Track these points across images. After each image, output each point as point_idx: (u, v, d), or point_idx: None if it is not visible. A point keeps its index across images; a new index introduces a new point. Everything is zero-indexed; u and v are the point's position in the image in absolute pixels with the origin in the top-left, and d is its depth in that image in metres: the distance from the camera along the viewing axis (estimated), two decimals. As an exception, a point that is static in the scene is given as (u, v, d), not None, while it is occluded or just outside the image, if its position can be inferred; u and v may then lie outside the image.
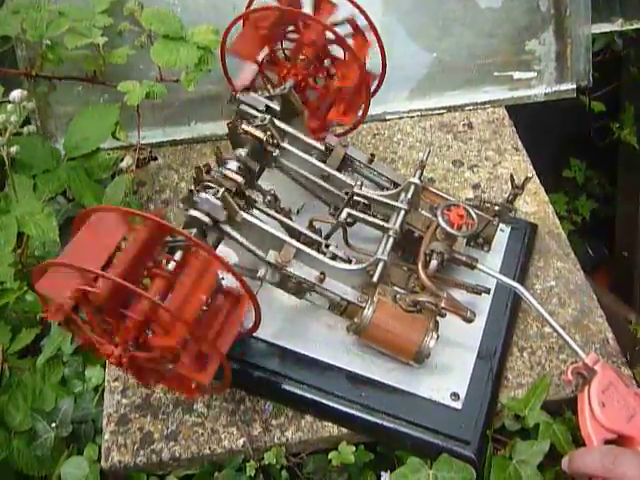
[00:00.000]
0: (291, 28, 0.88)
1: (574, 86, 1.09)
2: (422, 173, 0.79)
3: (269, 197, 0.79)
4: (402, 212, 0.76)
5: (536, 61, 1.08)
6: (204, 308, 0.65)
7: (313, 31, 0.84)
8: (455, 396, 0.75)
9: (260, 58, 0.86)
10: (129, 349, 0.64)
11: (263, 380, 0.79)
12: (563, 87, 1.09)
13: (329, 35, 0.85)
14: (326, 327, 0.81)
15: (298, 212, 0.88)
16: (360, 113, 0.90)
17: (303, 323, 0.81)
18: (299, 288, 0.74)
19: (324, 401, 0.77)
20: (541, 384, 0.79)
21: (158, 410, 0.79)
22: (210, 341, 0.62)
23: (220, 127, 1.05)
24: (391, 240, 0.74)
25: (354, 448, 0.77)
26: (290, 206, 0.83)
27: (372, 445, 0.80)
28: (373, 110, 0.98)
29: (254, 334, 0.76)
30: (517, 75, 1.08)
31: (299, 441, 0.77)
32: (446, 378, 0.77)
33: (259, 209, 0.77)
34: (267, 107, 0.82)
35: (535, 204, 0.97)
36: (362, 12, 0.85)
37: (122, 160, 0.94)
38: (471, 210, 0.73)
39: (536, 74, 1.08)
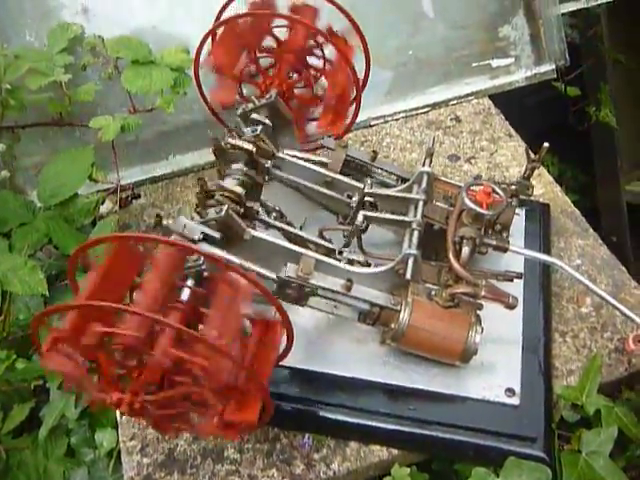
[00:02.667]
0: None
1: (553, 66, 1.07)
2: (431, 161, 0.74)
3: (275, 214, 0.73)
4: (420, 203, 0.71)
5: (512, 46, 1.06)
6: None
7: (297, 34, 0.79)
8: (510, 392, 0.69)
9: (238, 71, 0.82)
10: (143, 393, 0.56)
11: (297, 411, 0.71)
12: (542, 69, 1.07)
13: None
14: (355, 343, 0.74)
15: (301, 228, 0.82)
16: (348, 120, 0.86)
17: (329, 342, 0.75)
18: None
19: (368, 422, 0.70)
20: (593, 367, 0.74)
21: (185, 464, 0.71)
22: (250, 373, 0.55)
23: (201, 157, 0.99)
24: (415, 233, 0.68)
25: (408, 470, 0.70)
26: (292, 222, 0.77)
27: (426, 465, 0.73)
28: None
29: (280, 363, 0.69)
30: (495, 63, 1.06)
31: (347, 472, 0.70)
32: (496, 375, 0.71)
33: (264, 222, 0.71)
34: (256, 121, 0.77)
35: (541, 186, 0.94)
36: (346, 14, 0.81)
37: (103, 203, 0.87)
38: (495, 187, 0.68)
39: (514, 59, 1.06)
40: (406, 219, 0.69)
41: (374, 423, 0.70)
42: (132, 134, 0.95)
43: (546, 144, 0.71)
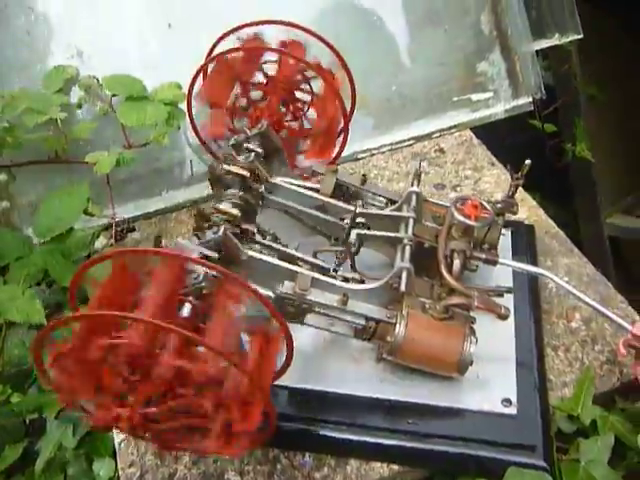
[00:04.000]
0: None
1: (530, 99, 1.12)
2: (419, 181, 0.77)
3: (269, 237, 0.75)
4: (411, 221, 0.73)
5: (490, 81, 1.11)
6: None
7: (285, 68, 0.83)
8: (507, 402, 0.70)
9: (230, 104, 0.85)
10: (142, 407, 0.56)
11: (297, 431, 0.71)
12: (520, 102, 1.12)
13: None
14: (352, 361, 0.75)
15: (295, 253, 0.84)
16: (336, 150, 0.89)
17: (326, 361, 0.76)
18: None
19: (369, 439, 0.70)
20: (586, 378, 0.75)
21: (186, 489, 0.71)
22: (251, 378, 0.56)
23: (193, 192, 1.01)
24: (407, 248, 0.70)
25: (410, 486, 0.70)
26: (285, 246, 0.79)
27: (425, 483, 0.73)
28: (343, 151, 0.97)
29: (277, 382, 0.69)
30: (475, 97, 1.10)
31: (349, 490, 0.70)
32: (492, 386, 0.72)
33: (259, 243, 0.73)
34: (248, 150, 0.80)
35: (525, 210, 0.97)
36: (332, 48, 0.85)
37: (98, 237, 0.89)
38: (483, 201, 0.70)
39: (492, 93, 1.11)
40: (398, 235, 0.71)
41: (374, 439, 0.70)
42: (126, 171, 0.98)
43: (528, 161, 0.74)
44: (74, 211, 0.87)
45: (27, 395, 0.83)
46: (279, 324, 0.60)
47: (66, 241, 0.86)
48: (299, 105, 0.88)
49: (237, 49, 0.82)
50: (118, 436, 0.75)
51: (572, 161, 1.50)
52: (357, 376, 0.74)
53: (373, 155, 1.07)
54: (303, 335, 0.74)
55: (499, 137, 1.21)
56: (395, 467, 0.71)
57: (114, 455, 0.76)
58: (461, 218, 0.69)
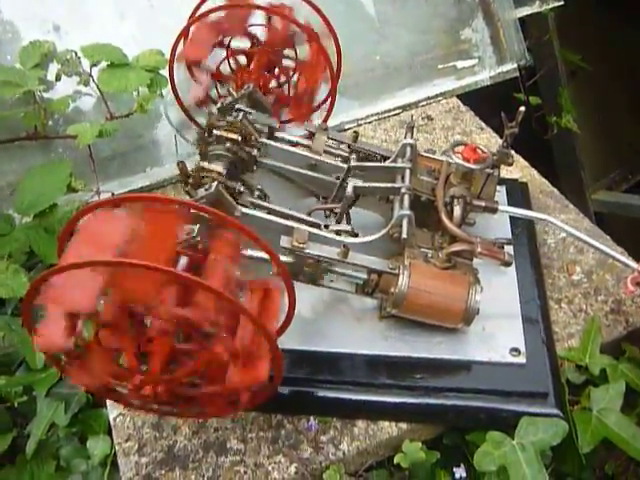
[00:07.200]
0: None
1: (515, 65, 1.11)
2: (412, 134, 0.75)
3: (258, 192, 0.73)
4: (407, 172, 0.71)
5: (474, 48, 1.10)
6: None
7: (273, 29, 0.81)
8: (516, 351, 0.68)
9: (214, 67, 0.83)
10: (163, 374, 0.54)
11: (300, 394, 0.69)
12: (505, 68, 1.11)
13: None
14: (354, 320, 0.73)
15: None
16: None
17: (328, 322, 0.73)
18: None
19: (376, 398, 0.68)
20: (592, 327, 0.74)
21: (187, 459, 0.67)
22: (257, 322, 0.53)
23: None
24: (406, 197, 0.68)
25: (420, 444, 0.68)
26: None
27: (435, 443, 0.71)
28: (330, 122, 0.95)
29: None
30: (460, 64, 1.09)
31: (357, 451, 0.67)
32: (499, 336, 0.70)
33: (250, 202, 0.70)
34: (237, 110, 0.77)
35: (518, 170, 0.96)
36: (315, 8, 0.83)
37: (82, 213, 0.85)
38: (479, 146, 0.69)
39: (477, 60, 1.10)
40: (395, 185, 0.69)
41: (381, 398, 0.68)
42: (109, 149, 0.95)
43: (522, 108, 0.72)
44: (56, 186, 0.84)
45: (14, 376, 0.79)
46: (280, 270, 0.58)
47: (49, 217, 0.83)
48: (285, 67, 0.86)
49: (221, 7, 0.80)
50: (113, 411, 0.71)
51: (556, 136, 1.49)
52: (361, 336, 0.71)
53: (360, 125, 1.05)
54: (303, 298, 0.71)
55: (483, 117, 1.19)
56: (404, 426, 0.69)
57: (109, 432, 0.72)
58: (460, 162, 0.67)
